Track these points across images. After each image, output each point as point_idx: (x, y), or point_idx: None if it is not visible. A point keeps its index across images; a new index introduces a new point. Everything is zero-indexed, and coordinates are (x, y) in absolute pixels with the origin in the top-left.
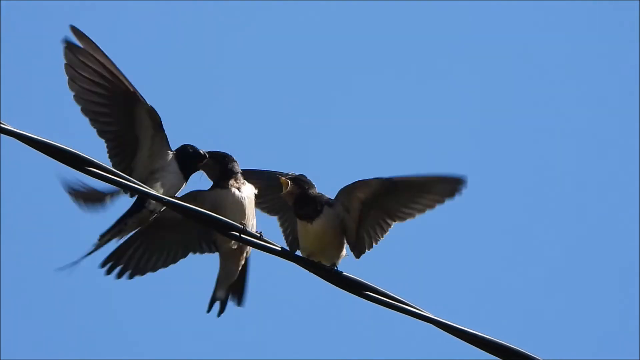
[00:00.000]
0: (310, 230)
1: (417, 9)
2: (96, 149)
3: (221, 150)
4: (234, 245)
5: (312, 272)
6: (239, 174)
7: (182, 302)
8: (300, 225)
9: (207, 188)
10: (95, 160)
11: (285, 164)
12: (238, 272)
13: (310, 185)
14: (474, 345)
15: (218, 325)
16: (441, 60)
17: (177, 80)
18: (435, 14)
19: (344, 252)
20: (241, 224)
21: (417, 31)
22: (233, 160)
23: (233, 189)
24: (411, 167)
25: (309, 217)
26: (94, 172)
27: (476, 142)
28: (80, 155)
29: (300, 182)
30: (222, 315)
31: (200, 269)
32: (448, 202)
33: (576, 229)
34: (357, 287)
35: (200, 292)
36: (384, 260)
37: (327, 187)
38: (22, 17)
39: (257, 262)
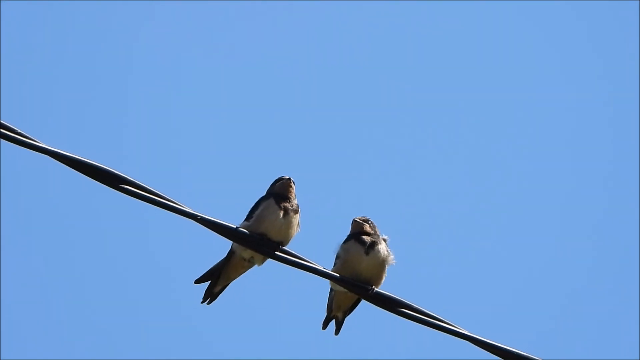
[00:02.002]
0: (364, 259)
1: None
2: (130, 166)
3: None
4: (246, 256)
5: (350, 290)
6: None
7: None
8: (357, 252)
9: None
10: (130, 178)
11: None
12: (234, 279)
13: (374, 226)
14: None
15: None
16: (443, 61)
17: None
18: (433, 17)
19: (382, 282)
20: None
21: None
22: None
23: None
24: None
25: (367, 248)
26: (129, 190)
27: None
28: (115, 173)
29: (371, 222)
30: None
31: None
32: (479, 221)
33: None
34: (391, 304)
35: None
36: (418, 278)
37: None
38: (63, 38)
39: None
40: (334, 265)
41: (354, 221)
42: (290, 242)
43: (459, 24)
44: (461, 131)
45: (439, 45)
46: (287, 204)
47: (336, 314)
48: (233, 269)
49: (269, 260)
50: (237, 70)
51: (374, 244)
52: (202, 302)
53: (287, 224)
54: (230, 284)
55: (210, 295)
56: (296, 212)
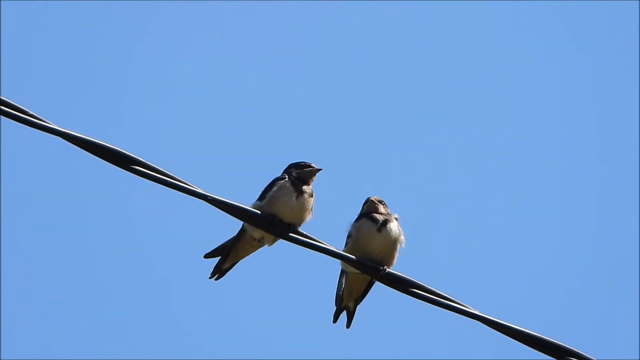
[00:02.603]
0: (376, 237)
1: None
2: (141, 147)
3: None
4: (257, 235)
5: (362, 270)
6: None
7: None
8: (369, 230)
9: None
10: (141, 159)
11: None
12: (243, 257)
13: (387, 207)
14: (523, 343)
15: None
16: (443, 58)
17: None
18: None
19: (394, 262)
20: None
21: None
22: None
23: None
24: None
25: (379, 225)
26: (140, 170)
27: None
28: (126, 154)
29: (384, 203)
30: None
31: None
32: (494, 202)
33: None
34: (403, 284)
35: None
36: (430, 257)
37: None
38: (75, 20)
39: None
40: (346, 245)
41: (370, 201)
42: (301, 225)
43: (466, 23)
44: (470, 114)
45: (449, 42)
46: (303, 187)
47: (347, 303)
48: (243, 247)
49: (280, 242)
50: (251, 53)
51: (386, 222)
52: (210, 278)
53: (300, 206)
54: (239, 262)
55: (219, 272)
56: (311, 195)
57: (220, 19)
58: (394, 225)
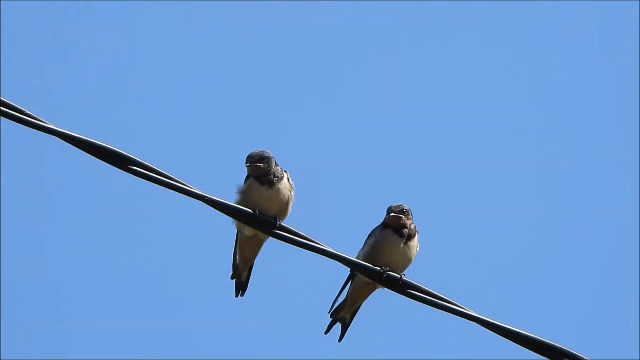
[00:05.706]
0: (399, 249)
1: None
2: (139, 147)
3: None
4: (248, 232)
5: (362, 273)
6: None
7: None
8: (392, 240)
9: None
10: (138, 159)
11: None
12: (254, 258)
13: (411, 214)
14: (519, 344)
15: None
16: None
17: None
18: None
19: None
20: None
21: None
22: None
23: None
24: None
25: (403, 237)
26: (137, 171)
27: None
28: (123, 154)
29: (408, 213)
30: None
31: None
32: (495, 206)
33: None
34: (400, 285)
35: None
36: (428, 259)
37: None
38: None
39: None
40: (362, 249)
41: (394, 216)
42: (287, 216)
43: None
44: (475, 123)
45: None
46: (269, 177)
47: (345, 314)
48: (246, 248)
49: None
50: (249, 51)
51: (410, 237)
52: (236, 297)
53: (276, 194)
54: (252, 269)
55: (241, 286)
56: (280, 179)
57: (217, 18)
58: (414, 241)
